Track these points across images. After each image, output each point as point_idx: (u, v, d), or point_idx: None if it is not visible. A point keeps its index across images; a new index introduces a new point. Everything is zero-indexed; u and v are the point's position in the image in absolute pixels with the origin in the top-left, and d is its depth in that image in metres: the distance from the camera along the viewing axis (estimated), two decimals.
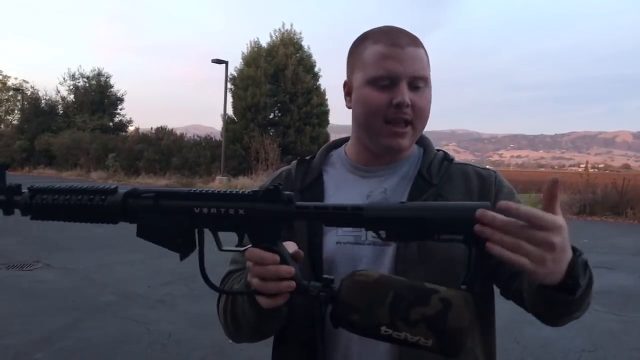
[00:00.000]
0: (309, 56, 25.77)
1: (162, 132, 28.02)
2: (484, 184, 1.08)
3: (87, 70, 36.47)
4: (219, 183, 21.41)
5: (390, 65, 1.00)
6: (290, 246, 0.87)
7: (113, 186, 0.86)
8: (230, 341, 4.25)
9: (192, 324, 4.56)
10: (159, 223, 0.83)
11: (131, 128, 35.65)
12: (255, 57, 24.76)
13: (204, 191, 0.83)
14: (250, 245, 0.83)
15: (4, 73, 46.24)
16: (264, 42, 25.83)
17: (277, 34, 25.68)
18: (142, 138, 28.24)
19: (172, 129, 28.59)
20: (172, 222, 0.83)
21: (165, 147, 26.11)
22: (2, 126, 41.15)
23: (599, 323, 4.97)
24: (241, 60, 25.50)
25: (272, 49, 25.12)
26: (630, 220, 13.62)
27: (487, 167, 1.15)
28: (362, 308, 0.78)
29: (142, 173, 25.63)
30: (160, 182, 23.26)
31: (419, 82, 1.01)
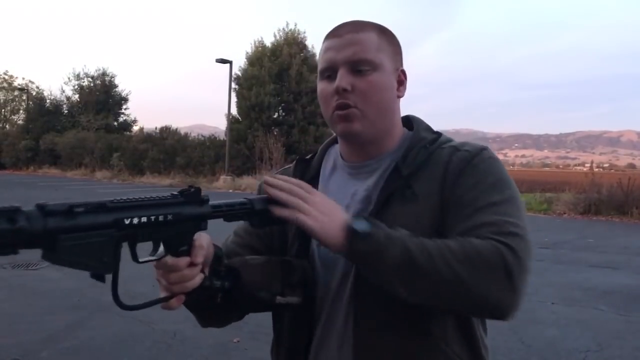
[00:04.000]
0: (313, 55, 25.75)
1: (166, 131, 28.09)
2: (452, 169, 0.98)
3: (92, 70, 36.64)
4: (223, 182, 21.44)
5: (328, 56, 1.03)
6: (203, 239, 0.88)
7: (12, 206, 0.66)
8: (235, 340, 4.22)
9: (197, 324, 4.54)
10: (85, 242, 0.70)
11: (135, 127, 35.75)
12: (260, 57, 24.79)
13: (129, 200, 0.76)
14: (163, 253, 0.82)
15: (9, 73, 46.39)
16: (268, 41, 25.89)
17: (281, 33, 25.73)
18: (147, 137, 28.32)
19: (176, 129, 28.66)
20: (98, 239, 0.72)
21: (169, 147, 26.16)
22: (7, 126, 41.32)
23: (604, 323, 4.95)
24: (245, 60, 25.57)
25: (276, 48, 25.15)
26: (636, 220, 13.56)
27: (469, 147, 1.02)
28: (263, 285, 0.96)
29: (147, 172, 25.70)
30: (164, 182, 23.30)
31: (361, 66, 1.00)
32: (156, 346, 4.09)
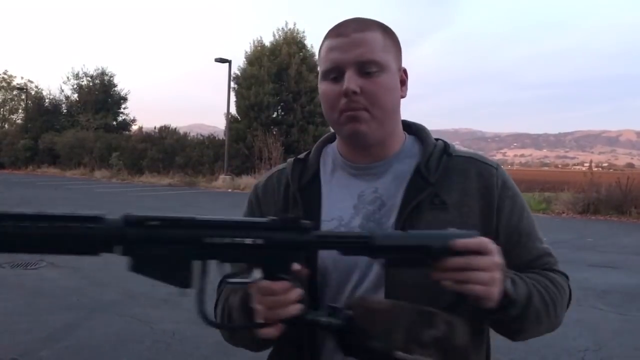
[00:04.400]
0: (312, 55, 25.73)
1: (165, 131, 28.06)
2: (484, 184, 1.03)
3: (91, 69, 36.60)
4: (222, 182, 21.43)
5: (334, 56, 0.99)
6: (303, 269, 0.84)
7: (96, 213, 0.74)
8: None
9: (196, 323, 4.55)
10: (162, 254, 0.74)
11: (135, 127, 35.71)
12: (259, 56, 24.78)
13: (214, 219, 0.76)
14: (259, 277, 0.79)
15: (8, 73, 46.40)
16: (267, 41, 25.86)
17: (280, 33, 25.71)
18: (146, 137, 28.29)
19: (175, 128, 28.63)
20: (177, 254, 0.74)
21: (168, 146, 26.14)
22: (6, 125, 41.28)
23: (603, 322, 4.96)
24: (244, 59, 25.55)
25: (276, 48, 25.13)
26: (634, 220, 13.57)
27: (490, 161, 1.09)
28: (379, 334, 0.79)
29: (146, 172, 25.69)
30: (163, 181, 23.30)
31: (369, 67, 0.98)
32: (155, 346, 4.09)
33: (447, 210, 1.00)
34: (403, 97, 1.06)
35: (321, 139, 1.19)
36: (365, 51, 0.98)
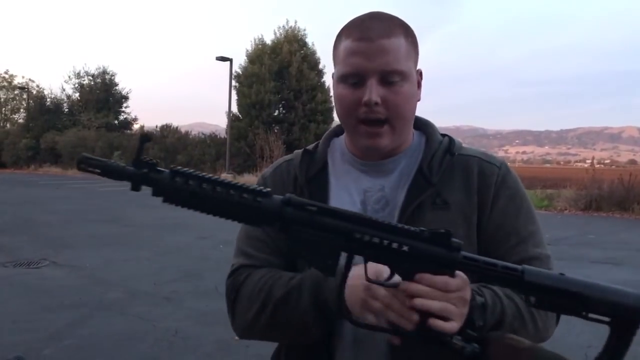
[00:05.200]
0: (313, 53, 25.77)
1: (167, 129, 28.12)
2: (483, 182, 1.02)
3: (92, 68, 36.72)
4: None
5: (356, 62, 0.95)
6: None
7: (265, 189, 0.78)
8: (236, 338, 4.24)
9: (198, 321, 4.57)
10: (314, 239, 0.77)
11: (136, 126, 35.79)
12: (260, 55, 24.79)
13: (366, 217, 0.78)
14: (399, 281, 0.79)
15: (10, 72, 46.49)
16: (268, 39, 25.89)
17: (281, 31, 25.74)
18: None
19: (177, 127, 28.69)
20: (327, 242, 0.77)
21: (170, 145, 26.19)
22: (8, 125, 41.36)
23: None
24: (245, 58, 25.57)
25: (277, 46, 25.14)
26: (637, 216, 13.53)
27: (494, 160, 1.06)
28: None
29: None
30: None
31: (392, 77, 0.95)
32: (158, 344, 4.09)
33: (449, 209, 0.99)
34: (418, 100, 1.04)
35: (328, 131, 1.17)
36: (390, 60, 0.94)
